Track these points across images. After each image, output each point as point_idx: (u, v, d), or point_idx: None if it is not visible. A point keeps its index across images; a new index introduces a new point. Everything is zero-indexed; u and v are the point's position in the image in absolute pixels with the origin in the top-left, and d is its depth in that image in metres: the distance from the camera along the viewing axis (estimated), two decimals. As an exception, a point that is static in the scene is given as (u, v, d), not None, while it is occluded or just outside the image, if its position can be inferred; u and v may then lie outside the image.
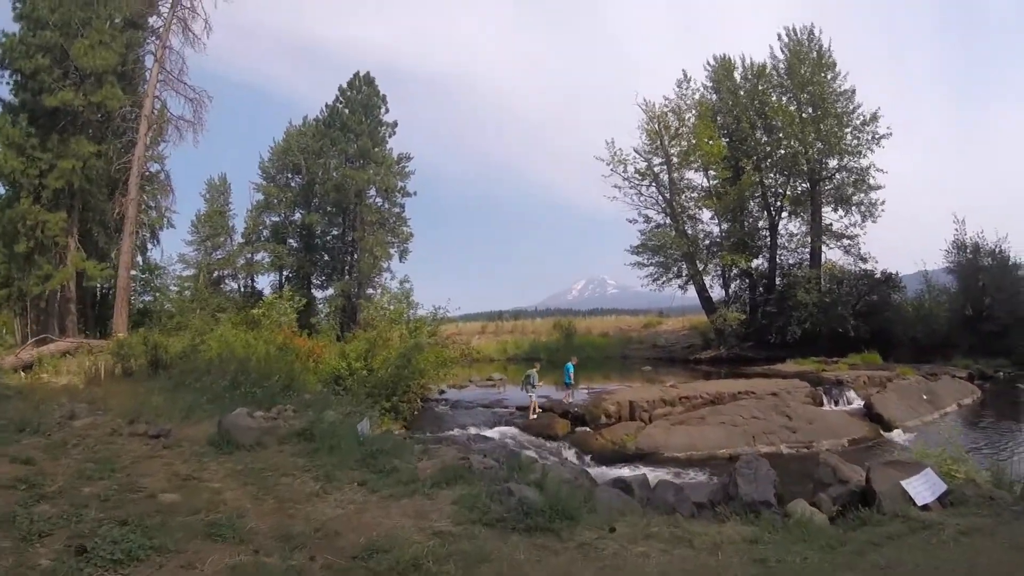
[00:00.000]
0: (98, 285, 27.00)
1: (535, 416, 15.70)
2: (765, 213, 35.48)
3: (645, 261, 35.83)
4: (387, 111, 38.12)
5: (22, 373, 15.83)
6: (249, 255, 37.91)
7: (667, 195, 34.96)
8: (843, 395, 17.57)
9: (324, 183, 36.88)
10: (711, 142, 33.03)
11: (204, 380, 13.13)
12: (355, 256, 37.52)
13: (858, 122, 31.92)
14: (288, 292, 23.39)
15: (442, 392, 20.74)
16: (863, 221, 32.82)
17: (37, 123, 23.11)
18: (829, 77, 32.33)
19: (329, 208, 37.68)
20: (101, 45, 22.85)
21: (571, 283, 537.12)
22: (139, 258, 28.61)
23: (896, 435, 14.50)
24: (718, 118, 35.51)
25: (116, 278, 23.87)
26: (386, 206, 38.25)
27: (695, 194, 35.97)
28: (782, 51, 33.56)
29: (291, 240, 38.37)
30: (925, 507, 5.29)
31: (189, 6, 25.16)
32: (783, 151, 33.43)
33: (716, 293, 36.11)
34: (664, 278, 35.81)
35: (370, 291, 36.13)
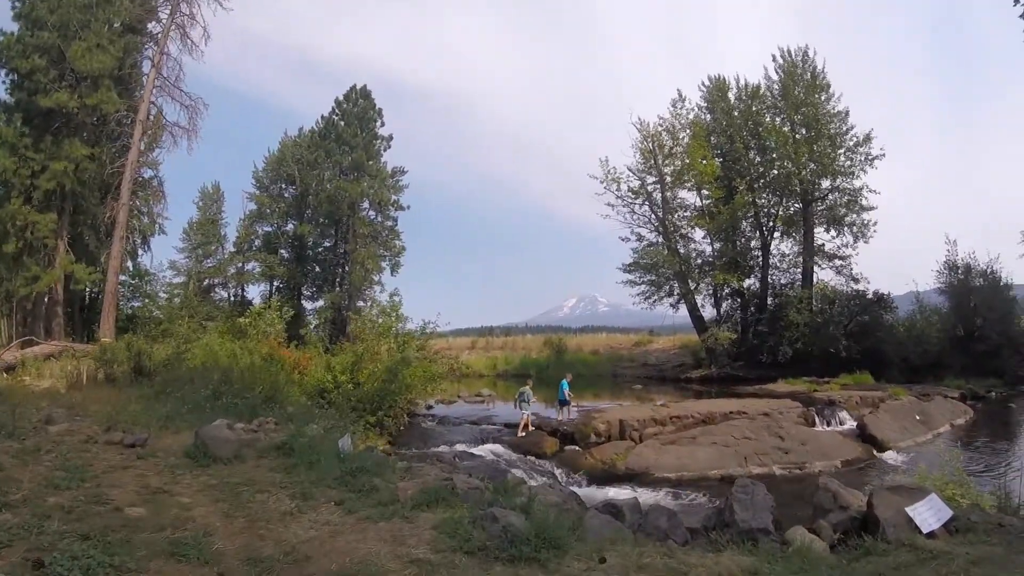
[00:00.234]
0: (86, 289, 26.59)
1: (523, 434, 15.42)
2: (757, 233, 35.65)
3: (637, 279, 35.85)
4: (383, 124, 38.32)
5: (4, 375, 15.49)
6: (240, 264, 37.82)
7: (660, 214, 35.08)
8: (835, 415, 17.37)
9: (318, 194, 36.79)
10: (704, 162, 33.22)
11: (186, 389, 12.82)
12: (346, 268, 37.41)
13: (851, 143, 32.25)
14: (276, 302, 23.13)
15: (430, 407, 20.42)
16: (855, 242, 33.17)
17: (31, 123, 22.96)
18: (823, 98, 32.67)
19: (322, 219, 37.61)
20: (99, 48, 22.77)
21: (562, 300, 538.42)
22: (129, 263, 28.38)
23: (889, 456, 14.35)
24: (712, 138, 35.74)
25: (105, 282, 23.65)
26: (379, 219, 38.24)
27: (688, 213, 36.17)
28: (776, 72, 33.95)
29: (283, 250, 38.25)
30: (931, 534, 5.03)
31: (188, 13, 25.19)
32: (776, 171, 33.67)
33: (708, 312, 36.20)
34: (656, 296, 35.81)
35: (360, 304, 35.94)
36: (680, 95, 35.53)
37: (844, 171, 32.25)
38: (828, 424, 16.84)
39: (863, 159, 32.07)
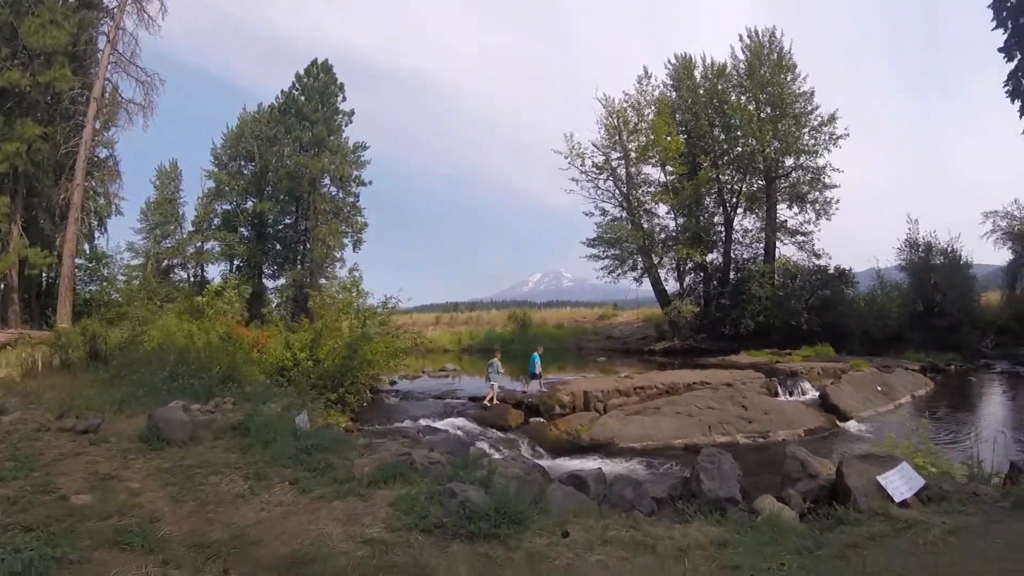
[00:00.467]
0: (42, 274, 25.79)
1: (489, 404, 15.23)
2: (721, 209, 35.86)
3: (601, 254, 35.89)
4: (344, 99, 37.48)
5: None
6: (199, 244, 36.94)
7: (624, 189, 35.11)
8: (798, 386, 17.56)
9: (277, 171, 35.91)
10: (669, 138, 33.12)
11: (142, 372, 12.42)
12: (308, 246, 36.90)
13: (816, 123, 32.47)
14: (234, 280, 22.44)
15: (393, 383, 20.02)
16: (817, 218, 33.63)
17: (-19, 103, 21.74)
18: (788, 78, 32.67)
19: (282, 196, 36.82)
20: (52, 24, 21.73)
21: (527, 276, 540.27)
22: (85, 246, 27.41)
23: (851, 425, 14.55)
24: (677, 115, 35.66)
25: (60, 266, 22.88)
26: (340, 195, 37.63)
27: (652, 188, 36.27)
28: (743, 51, 33.79)
29: (242, 229, 37.42)
30: (903, 504, 4.91)
31: (145, -14, 23.96)
32: (740, 149, 33.95)
33: (671, 286, 36.43)
34: (619, 271, 35.96)
35: (322, 281, 35.38)
36: (646, 72, 35.44)
37: (808, 150, 32.50)
38: (791, 394, 16.99)
39: (827, 138, 32.36)
